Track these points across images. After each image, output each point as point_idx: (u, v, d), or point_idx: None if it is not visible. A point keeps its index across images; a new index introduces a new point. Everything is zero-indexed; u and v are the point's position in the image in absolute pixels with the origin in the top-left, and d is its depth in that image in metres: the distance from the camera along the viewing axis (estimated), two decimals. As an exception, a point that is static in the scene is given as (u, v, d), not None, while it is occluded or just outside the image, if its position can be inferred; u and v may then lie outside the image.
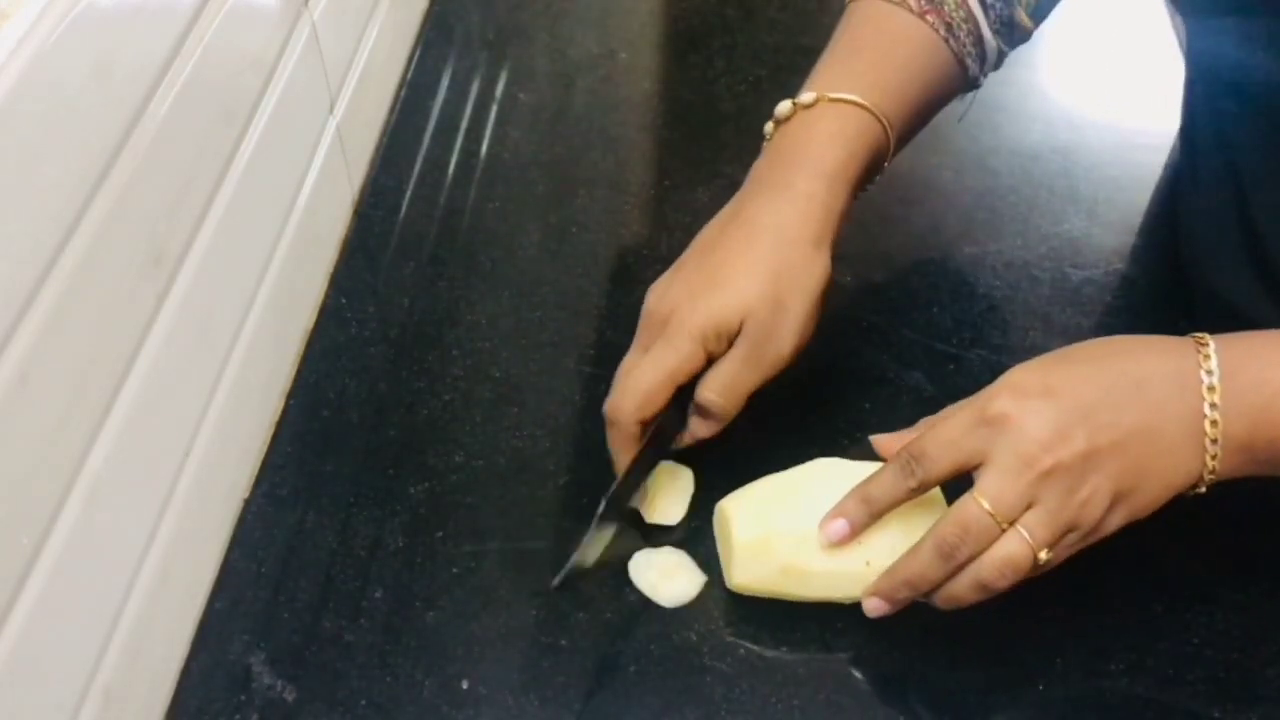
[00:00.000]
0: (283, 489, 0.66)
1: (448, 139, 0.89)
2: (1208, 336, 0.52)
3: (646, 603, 0.60)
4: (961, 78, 0.67)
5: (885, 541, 0.55)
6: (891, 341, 0.72)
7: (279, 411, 0.70)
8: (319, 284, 0.77)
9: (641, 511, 0.63)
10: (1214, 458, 0.51)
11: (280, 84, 0.68)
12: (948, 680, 0.57)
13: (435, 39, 1.00)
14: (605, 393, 0.70)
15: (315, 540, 0.63)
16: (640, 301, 0.75)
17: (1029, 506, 0.50)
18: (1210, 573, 0.57)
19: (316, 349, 0.74)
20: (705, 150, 0.88)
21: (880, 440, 0.57)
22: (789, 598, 0.58)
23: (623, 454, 0.60)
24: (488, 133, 0.90)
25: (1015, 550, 0.50)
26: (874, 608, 0.55)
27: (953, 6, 0.65)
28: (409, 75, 0.95)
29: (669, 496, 0.64)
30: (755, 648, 0.58)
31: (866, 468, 0.56)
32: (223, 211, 0.61)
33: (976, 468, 0.51)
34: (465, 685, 0.57)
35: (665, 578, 0.60)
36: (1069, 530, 0.50)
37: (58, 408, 0.47)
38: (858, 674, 0.57)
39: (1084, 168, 0.85)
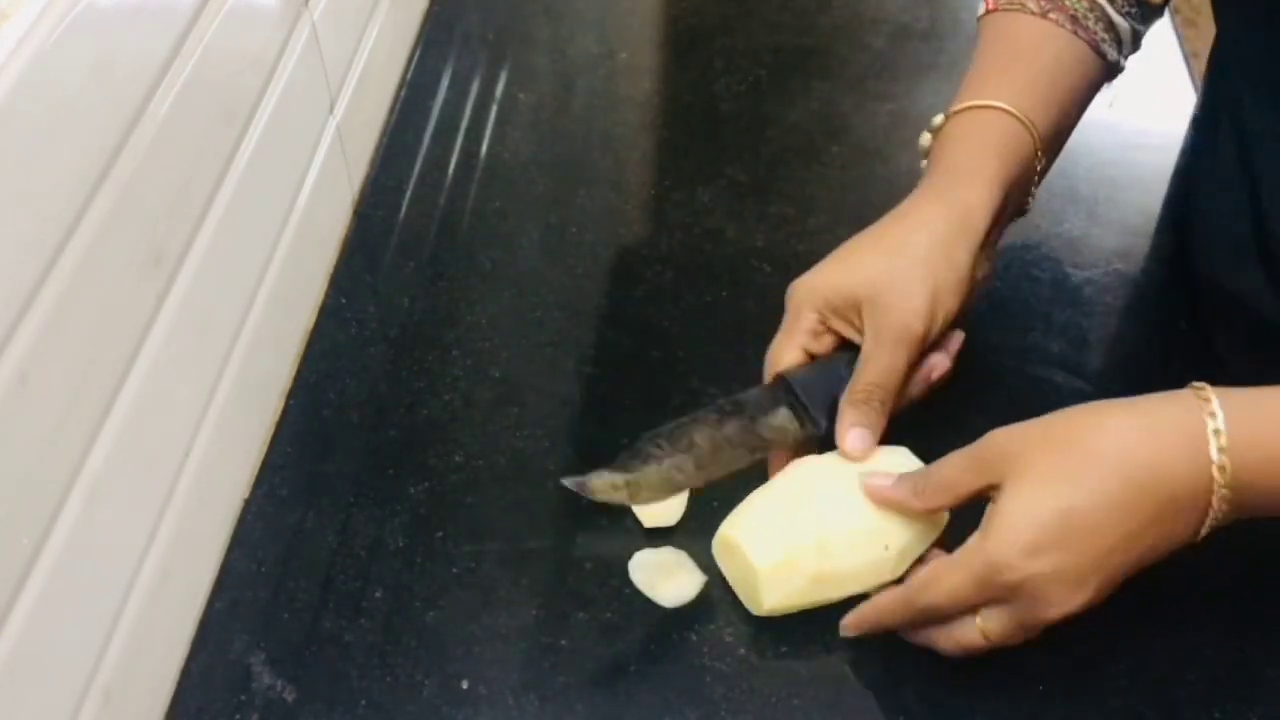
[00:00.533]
0: (283, 489, 0.66)
1: (448, 139, 0.89)
2: (1216, 407, 0.49)
3: (646, 603, 0.60)
4: (1100, 65, 0.67)
5: (901, 527, 0.56)
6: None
7: (279, 411, 0.70)
8: (319, 284, 0.77)
9: (639, 516, 0.63)
10: (1204, 534, 0.51)
11: (280, 84, 0.68)
12: (948, 680, 0.57)
13: (435, 39, 1.00)
14: (605, 392, 0.70)
15: (315, 540, 0.63)
16: (640, 301, 0.76)
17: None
18: (1210, 573, 0.56)
19: (316, 349, 0.74)
20: (705, 150, 0.88)
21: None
22: (819, 604, 0.58)
23: None
24: (488, 133, 0.90)
25: (979, 649, 0.53)
26: (846, 633, 0.56)
27: (1074, 0, 0.66)
28: (409, 75, 0.95)
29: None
30: (755, 648, 0.58)
31: (838, 463, 0.58)
32: (223, 211, 0.61)
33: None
34: (465, 685, 0.57)
35: (665, 578, 0.60)
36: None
37: (58, 408, 0.47)
38: (858, 674, 0.57)
39: (1084, 168, 0.85)
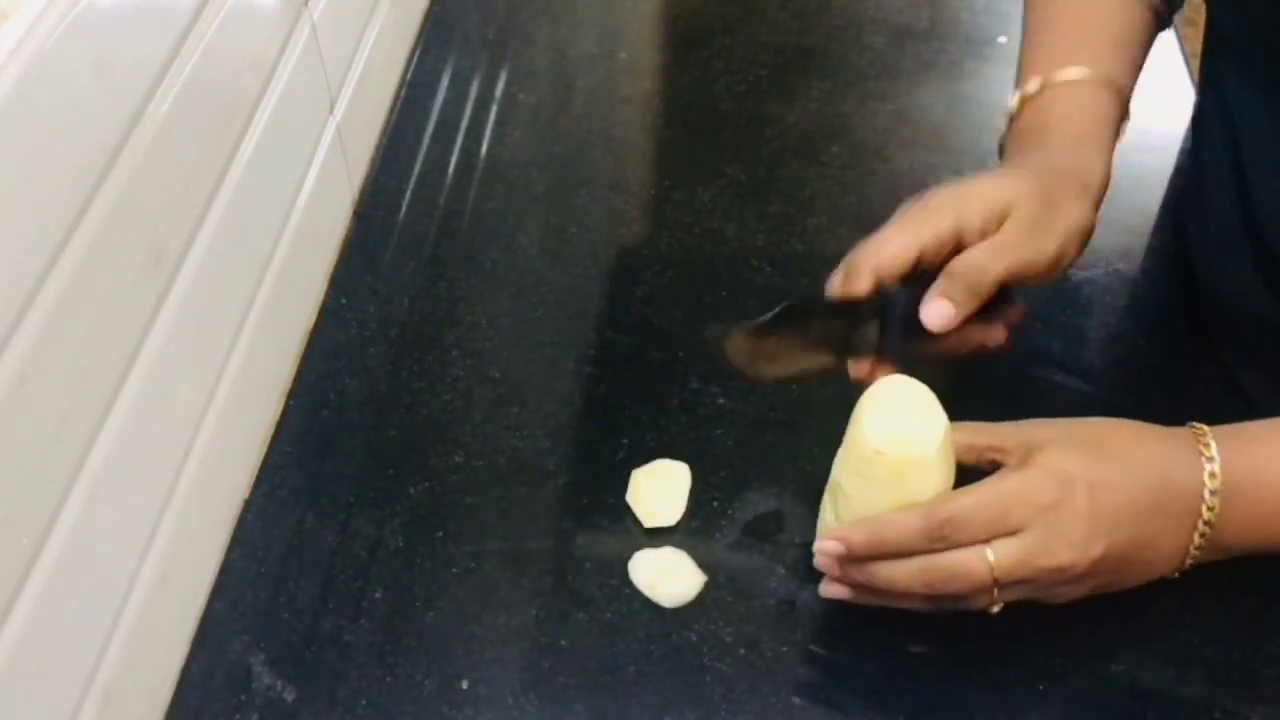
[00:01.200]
0: (283, 489, 0.66)
1: (448, 139, 0.89)
2: (1210, 440, 0.53)
3: (646, 603, 0.60)
4: (1155, 22, 0.68)
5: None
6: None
7: (279, 411, 0.70)
8: (319, 284, 0.77)
9: (639, 516, 0.63)
10: (1190, 563, 0.54)
11: (280, 84, 0.68)
12: (948, 681, 0.57)
13: (435, 39, 1.00)
14: (605, 393, 0.70)
15: (315, 540, 0.63)
16: (640, 301, 0.76)
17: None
18: (1210, 573, 0.56)
19: (316, 349, 0.74)
20: (705, 150, 0.88)
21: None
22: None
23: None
24: (488, 133, 0.90)
25: (981, 603, 0.53)
26: (831, 548, 0.53)
27: None
28: (409, 75, 0.95)
29: (666, 497, 0.64)
30: (755, 648, 0.58)
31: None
32: (223, 211, 0.61)
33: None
34: (465, 685, 0.57)
35: (665, 578, 0.60)
36: (1031, 597, 0.53)
37: (58, 408, 0.47)
38: (858, 674, 0.57)
39: (1084, 168, 0.85)
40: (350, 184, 0.83)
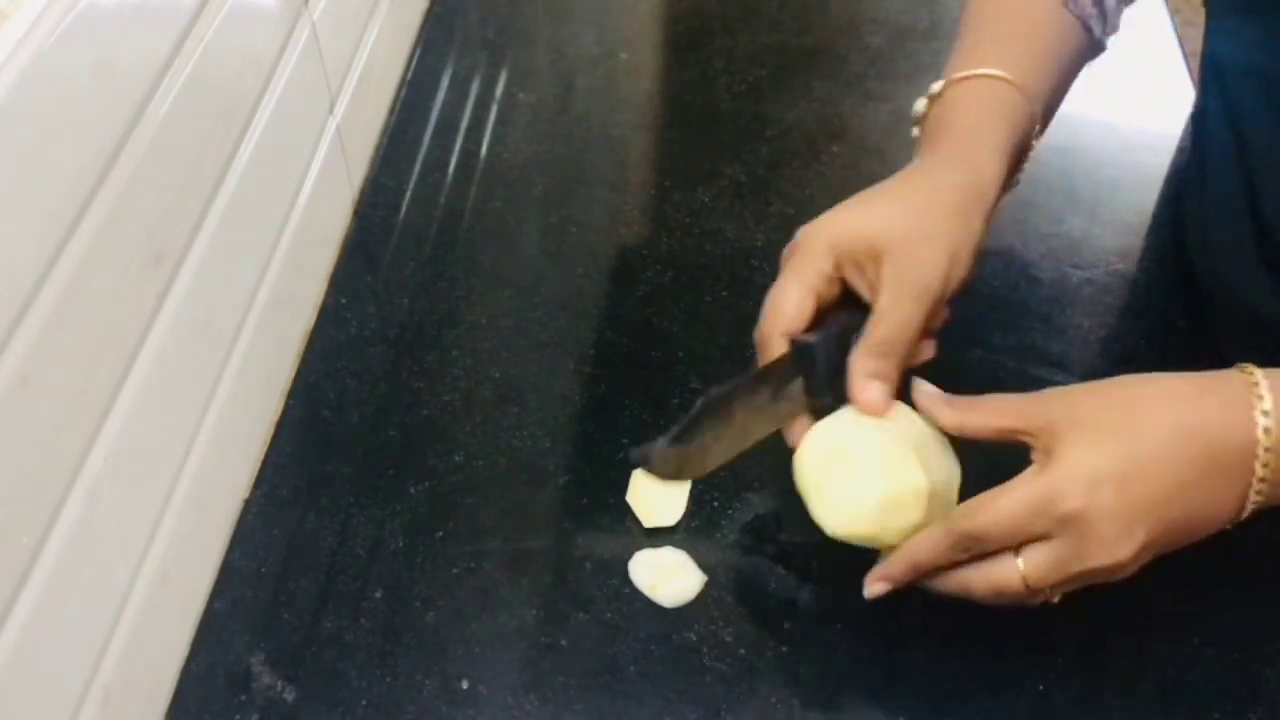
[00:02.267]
0: (283, 489, 0.66)
1: (448, 139, 0.90)
2: (1265, 391, 0.49)
3: (646, 603, 0.60)
4: (1088, 42, 0.67)
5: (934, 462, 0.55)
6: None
7: (279, 411, 0.70)
8: (319, 284, 0.77)
9: (639, 516, 0.63)
10: (1251, 510, 0.51)
11: (280, 84, 0.68)
12: (948, 680, 0.57)
13: (435, 39, 1.00)
14: (605, 393, 0.70)
15: (315, 540, 0.63)
16: (640, 301, 0.76)
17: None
18: (1210, 573, 0.56)
19: (316, 349, 0.74)
20: (705, 150, 0.88)
21: (929, 401, 0.55)
22: (875, 538, 0.55)
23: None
24: (488, 133, 0.90)
25: (1034, 603, 0.52)
26: (879, 590, 0.54)
27: None
28: (409, 75, 0.95)
29: (666, 497, 0.64)
30: (755, 648, 0.58)
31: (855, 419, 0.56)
32: (223, 211, 0.61)
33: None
34: (465, 685, 0.57)
35: (665, 578, 0.60)
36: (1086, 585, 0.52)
37: (58, 408, 0.47)
38: (858, 674, 0.57)
39: (1084, 168, 0.85)
40: (350, 184, 0.83)
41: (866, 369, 0.55)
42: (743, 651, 0.58)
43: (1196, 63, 0.75)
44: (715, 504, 0.64)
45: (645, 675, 0.57)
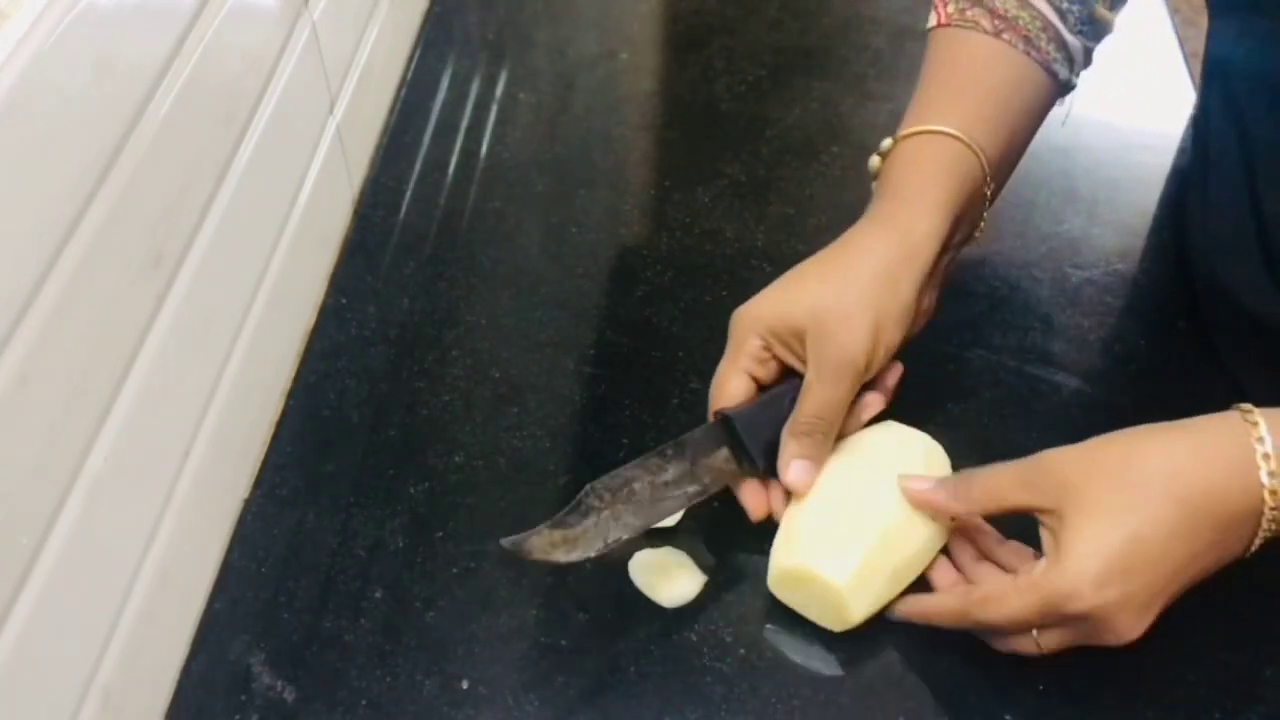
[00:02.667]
0: (283, 489, 0.66)
1: (448, 139, 0.89)
2: (1264, 431, 0.50)
3: (646, 603, 0.60)
4: (1053, 85, 0.66)
5: None
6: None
7: (279, 411, 0.70)
8: (319, 284, 0.77)
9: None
10: (1258, 547, 0.52)
11: (280, 84, 0.68)
12: (948, 681, 0.57)
13: (435, 39, 1.00)
14: (605, 393, 0.70)
15: (315, 540, 0.63)
16: (640, 301, 0.76)
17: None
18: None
19: (316, 349, 0.74)
20: (705, 150, 0.88)
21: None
22: (898, 592, 0.58)
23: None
24: (488, 133, 0.90)
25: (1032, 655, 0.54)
26: (898, 617, 0.58)
27: (1027, 19, 0.64)
28: (409, 75, 0.95)
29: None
30: (755, 648, 0.58)
31: (850, 458, 0.59)
32: (223, 211, 0.61)
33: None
34: (465, 685, 0.57)
35: (665, 578, 0.60)
36: None
37: (58, 408, 0.47)
38: (858, 674, 0.57)
39: (1084, 168, 0.85)
40: (350, 184, 0.83)
41: (792, 450, 0.59)
42: (743, 651, 0.58)
43: (1196, 63, 0.75)
44: (715, 504, 0.64)
45: (645, 675, 0.57)
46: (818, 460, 0.59)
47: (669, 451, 0.60)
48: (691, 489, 0.59)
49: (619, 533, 0.57)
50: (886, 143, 0.64)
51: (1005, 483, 0.53)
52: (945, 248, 0.61)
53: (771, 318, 0.60)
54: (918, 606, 0.56)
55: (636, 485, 0.59)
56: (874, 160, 0.65)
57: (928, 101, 0.64)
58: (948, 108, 0.63)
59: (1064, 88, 0.68)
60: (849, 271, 0.59)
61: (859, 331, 0.57)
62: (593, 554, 0.57)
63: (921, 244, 0.59)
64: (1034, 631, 0.52)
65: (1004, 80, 0.65)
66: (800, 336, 0.59)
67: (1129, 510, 0.49)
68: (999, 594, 0.52)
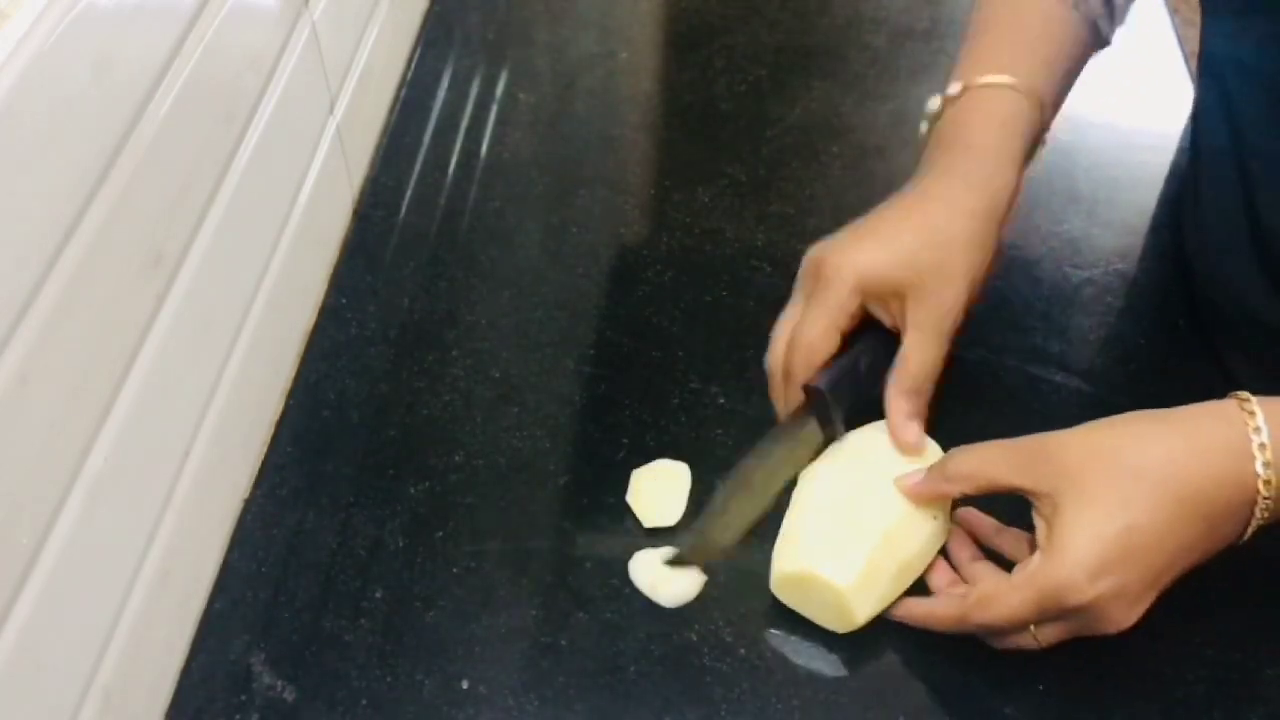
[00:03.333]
0: (283, 489, 0.66)
1: (448, 139, 0.89)
2: (1261, 422, 0.50)
3: (646, 603, 0.60)
4: (1094, 40, 0.67)
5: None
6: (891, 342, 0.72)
7: (279, 411, 0.70)
8: (319, 284, 0.77)
9: (639, 516, 0.63)
10: (1253, 532, 0.52)
11: (280, 84, 0.68)
12: (948, 680, 0.57)
13: (435, 39, 1.00)
14: (605, 393, 0.70)
15: (315, 540, 0.63)
16: (640, 301, 0.76)
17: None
18: (1209, 574, 0.56)
19: (316, 349, 0.74)
20: (705, 150, 0.88)
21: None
22: (901, 591, 0.58)
23: (786, 408, 0.61)
24: (488, 133, 0.90)
25: (1032, 650, 0.54)
26: (898, 618, 0.58)
27: None
28: (409, 75, 0.95)
29: (666, 497, 0.64)
30: (755, 648, 0.58)
31: (843, 460, 0.60)
32: (223, 211, 0.61)
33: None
34: (465, 685, 0.57)
35: (665, 578, 0.60)
36: None
37: (58, 408, 0.47)
38: (858, 674, 0.57)
39: (1084, 168, 0.85)
40: (350, 184, 0.83)
41: (903, 409, 0.58)
42: (743, 651, 0.58)
43: (1196, 63, 0.75)
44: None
45: (645, 675, 0.57)
46: (924, 419, 0.59)
47: (775, 433, 0.61)
48: (797, 461, 0.60)
49: (753, 517, 0.60)
50: (954, 87, 0.64)
51: (997, 460, 0.53)
52: (1011, 202, 0.62)
53: (871, 273, 0.58)
54: (917, 610, 0.57)
55: (755, 478, 0.60)
56: (934, 101, 0.64)
57: (986, 54, 0.64)
58: (1009, 60, 0.63)
59: (1101, 43, 0.69)
60: (947, 229, 0.59)
61: (960, 291, 0.58)
62: (735, 543, 0.60)
63: (1002, 198, 0.60)
64: (1031, 627, 0.52)
65: (1057, 34, 0.65)
66: (900, 294, 0.58)
67: (1125, 503, 0.49)
68: (996, 594, 0.52)
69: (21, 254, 0.44)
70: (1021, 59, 0.64)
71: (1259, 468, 0.49)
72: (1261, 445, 0.49)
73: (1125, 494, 0.50)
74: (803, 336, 0.59)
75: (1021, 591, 0.51)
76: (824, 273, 0.59)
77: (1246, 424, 0.50)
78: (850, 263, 0.59)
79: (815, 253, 0.60)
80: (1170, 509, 0.49)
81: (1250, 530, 0.51)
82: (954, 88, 0.64)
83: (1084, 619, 0.51)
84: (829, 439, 0.61)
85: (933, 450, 0.60)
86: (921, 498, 0.57)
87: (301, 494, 0.66)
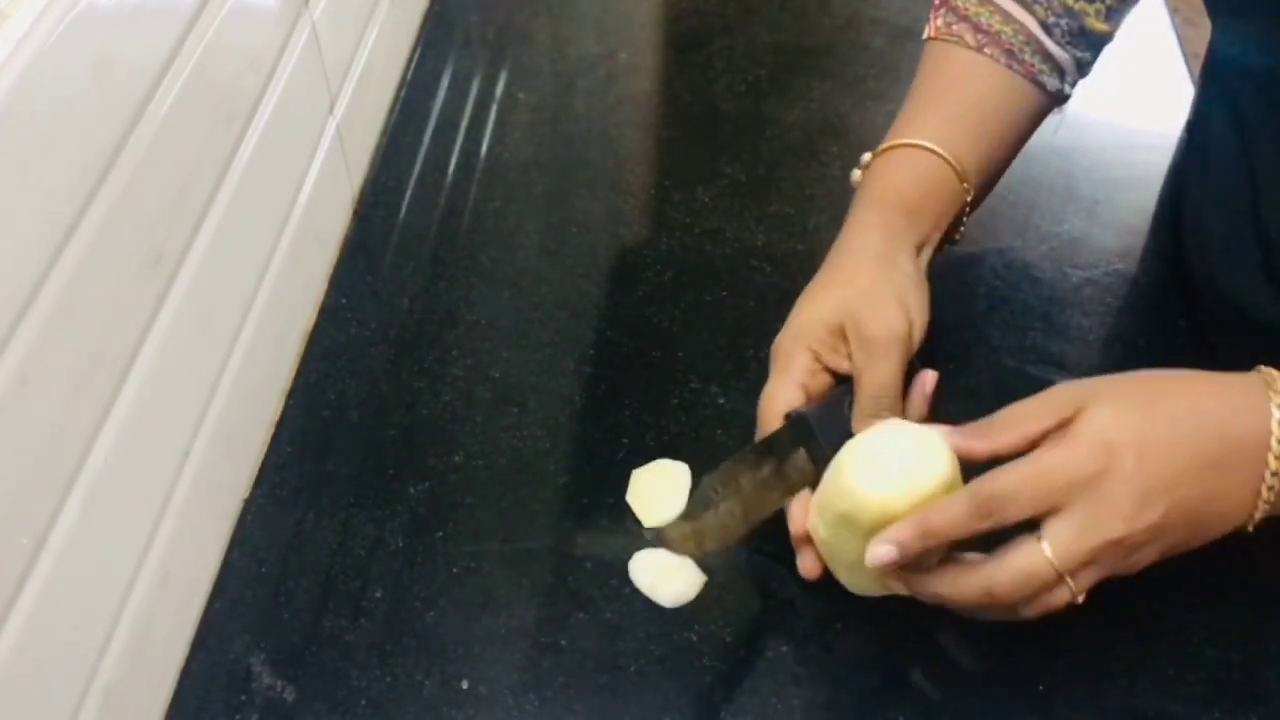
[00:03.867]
0: (283, 489, 0.66)
1: (448, 139, 0.89)
2: None
3: (646, 603, 0.60)
4: (1041, 95, 0.68)
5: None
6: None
7: (279, 411, 0.70)
8: (319, 284, 0.77)
9: (639, 516, 0.63)
10: (1264, 511, 0.51)
11: (280, 84, 0.68)
12: (948, 680, 0.57)
13: (435, 39, 1.00)
14: (605, 392, 0.70)
15: (315, 540, 0.63)
16: (640, 301, 0.76)
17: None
18: (1210, 572, 0.56)
19: (316, 349, 0.74)
20: (705, 150, 0.88)
21: (954, 437, 0.55)
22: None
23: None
24: (488, 133, 0.90)
25: (1060, 599, 0.51)
26: (883, 554, 0.52)
27: (1010, 34, 0.66)
28: (409, 75, 0.95)
29: (666, 497, 0.64)
30: (755, 648, 0.58)
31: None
32: (223, 211, 0.61)
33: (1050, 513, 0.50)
34: (465, 685, 0.57)
35: (665, 578, 0.60)
36: (1106, 575, 0.51)
37: (58, 408, 0.47)
38: (858, 674, 0.57)
39: (1084, 168, 0.85)
40: (350, 184, 0.83)
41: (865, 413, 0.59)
42: (743, 651, 0.58)
43: (1196, 63, 0.75)
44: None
45: (645, 675, 0.57)
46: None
47: (761, 448, 0.60)
48: (784, 487, 0.60)
49: (734, 527, 0.58)
50: (866, 157, 0.67)
51: (1025, 411, 0.53)
52: (922, 245, 0.65)
53: (811, 330, 0.61)
54: (914, 518, 0.52)
55: (742, 480, 0.59)
56: (855, 174, 0.68)
57: (909, 116, 0.67)
58: (925, 122, 0.66)
59: (1056, 97, 0.69)
60: (857, 269, 0.62)
61: (888, 306, 0.60)
62: (719, 548, 0.59)
63: (902, 235, 0.63)
64: (1044, 546, 0.49)
65: (985, 93, 0.67)
66: (841, 334, 0.61)
67: (1146, 405, 0.51)
68: (1003, 469, 0.51)
69: (22, 254, 0.44)
70: (939, 120, 0.66)
71: (1274, 443, 0.49)
72: (1277, 391, 0.50)
73: (1147, 398, 0.51)
74: (767, 400, 0.61)
75: (1034, 459, 0.50)
76: (776, 351, 0.62)
77: (1265, 379, 0.51)
78: (792, 332, 0.62)
79: (775, 341, 0.63)
80: (1189, 417, 0.50)
81: (1258, 513, 0.51)
82: (866, 157, 0.67)
83: (1094, 504, 0.49)
84: (820, 474, 0.58)
85: (936, 445, 0.58)
86: (967, 450, 0.54)
87: (301, 494, 0.66)
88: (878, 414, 0.59)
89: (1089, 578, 0.51)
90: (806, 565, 0.59)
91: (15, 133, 0.43)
